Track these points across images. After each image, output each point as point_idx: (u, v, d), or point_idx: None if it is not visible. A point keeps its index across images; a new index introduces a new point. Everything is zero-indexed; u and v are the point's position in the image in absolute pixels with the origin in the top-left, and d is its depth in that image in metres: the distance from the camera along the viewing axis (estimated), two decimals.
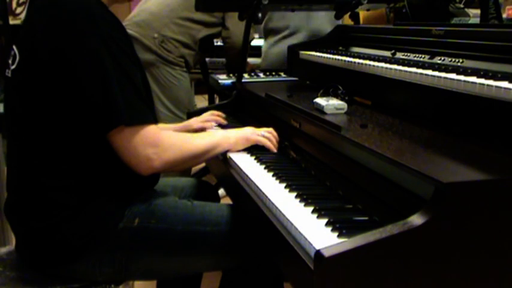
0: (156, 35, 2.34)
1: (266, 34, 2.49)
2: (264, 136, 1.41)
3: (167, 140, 1.20)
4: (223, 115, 1.69)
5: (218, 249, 1.28)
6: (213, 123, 1.67)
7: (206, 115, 1.70)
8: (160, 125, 1.40)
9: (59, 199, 1.17)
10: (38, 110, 1.15)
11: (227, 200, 1.70)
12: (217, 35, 2.56)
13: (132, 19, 2.39)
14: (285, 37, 2.35)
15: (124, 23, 2.36)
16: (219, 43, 2.78)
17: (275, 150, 1.39)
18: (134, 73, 1.17)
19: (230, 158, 1.36)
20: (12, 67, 1.19)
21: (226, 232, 1.26)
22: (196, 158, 1.29)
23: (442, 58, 1.37)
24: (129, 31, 2.35)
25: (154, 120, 1.20)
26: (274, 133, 1.44)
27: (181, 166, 1.29)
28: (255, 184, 1.16)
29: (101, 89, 1.10)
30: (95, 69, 1.10)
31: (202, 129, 1.62)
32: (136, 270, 1.24)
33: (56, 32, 1.11)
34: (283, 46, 2.26)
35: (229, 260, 1.31)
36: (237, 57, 2.33)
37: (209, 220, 1.27)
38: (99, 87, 1.10)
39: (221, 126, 1.67)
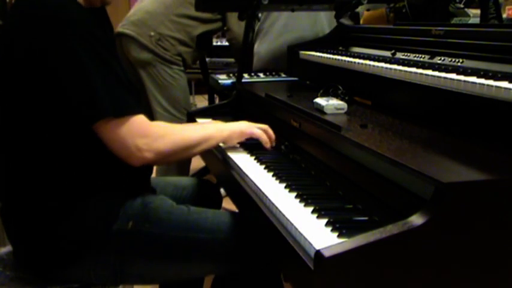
0: (152, 33, 2.33)
1: (256, 35, 2.47)
2: (259, 128, 1.39)
3: (157, 130, 1.19)
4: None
5: (213, 257, 1.25)
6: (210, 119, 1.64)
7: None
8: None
9: (49, 203, 1.16)
10: (20, 111, 1.13)
11: (228, 200, 1.70)
12: (215, 32, 2.55)
13: (128, 18, 2.39)
14: (275, 37, 2.32)
15: (121, 23, 2.37)
16: (219, 43, 2.78)
17: (269, 146, 1.38)
18: (115, 65, 1.15)
19: (230, 157, 1.36)
20: None
21: (221, 240, 1.23)
22: (188, 148, 1.26)
23: (442, 58, 1.36)
24: (126, 30, 2.35)
25: (140, 110, 1.17)
26: (270, 130, 1.41)
27: (174, 157, 1.27)
28: (255, 184, 1.16)
29: (82, 85, 1.09)
30: (74, 66, 1.08)
31: None
32: (132, 273, 1.23)
33: (33, 31, 1.09)
34: (273, 46, 2.25)
35: (226, 266, 1.27)
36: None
37: (204, 227, 1.24)
38: (80, 83, 1.09)
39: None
